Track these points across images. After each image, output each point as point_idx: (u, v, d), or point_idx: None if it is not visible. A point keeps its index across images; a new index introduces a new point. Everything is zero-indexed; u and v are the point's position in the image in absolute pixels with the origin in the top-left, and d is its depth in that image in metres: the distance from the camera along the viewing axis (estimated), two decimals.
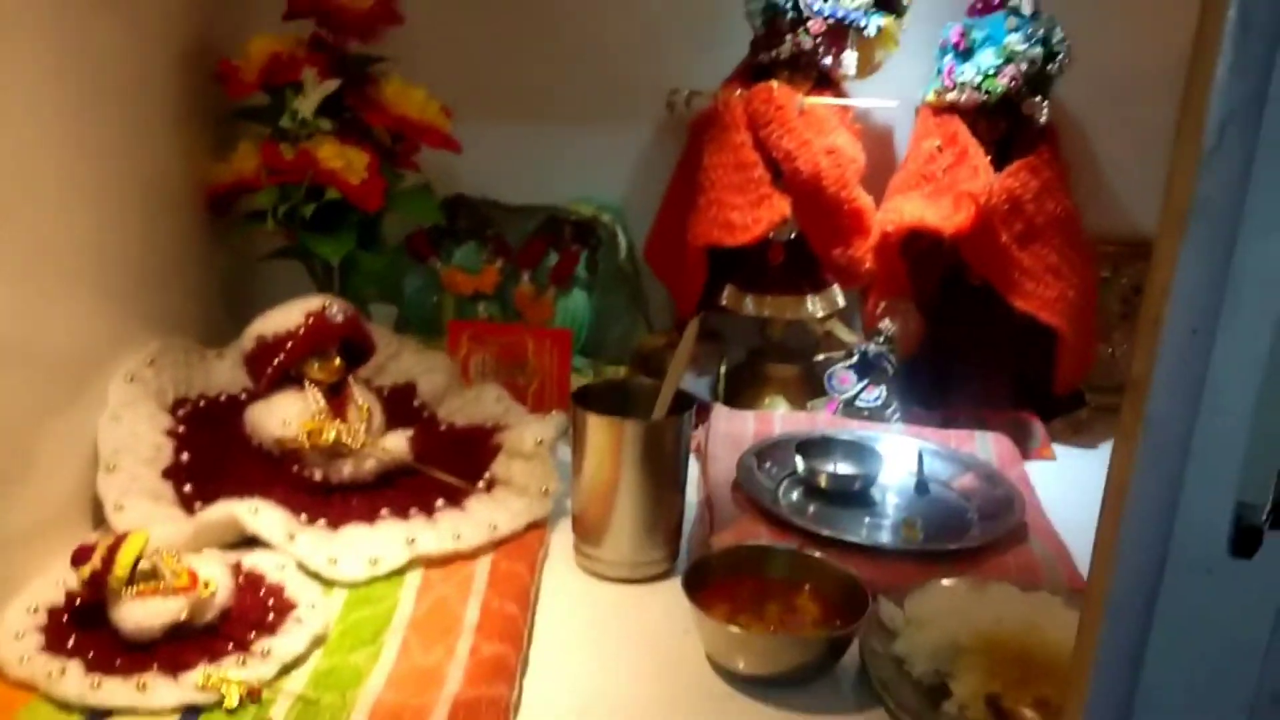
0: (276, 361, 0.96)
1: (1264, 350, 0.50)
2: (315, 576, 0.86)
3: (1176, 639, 0.53)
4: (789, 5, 1.15)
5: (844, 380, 1.16)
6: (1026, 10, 1.14)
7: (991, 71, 1.13)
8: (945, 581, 0.83)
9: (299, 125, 1.09)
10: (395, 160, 1.16)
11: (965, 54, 1.16)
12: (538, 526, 0.95)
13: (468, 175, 1.30)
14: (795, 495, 1.01)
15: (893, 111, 1.27)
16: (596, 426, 0.88)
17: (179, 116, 1.11)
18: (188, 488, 0.94)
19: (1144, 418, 0.53)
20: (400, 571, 0.87)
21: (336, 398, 0.99)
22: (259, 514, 0.88)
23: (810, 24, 1.15)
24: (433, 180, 1.24)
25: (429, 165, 1.22)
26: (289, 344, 0.96)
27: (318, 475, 0.96)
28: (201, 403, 1.04)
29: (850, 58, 1.18)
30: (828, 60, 1.17)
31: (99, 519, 0.91)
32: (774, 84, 1.17)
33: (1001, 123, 1.17)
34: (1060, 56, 1.14)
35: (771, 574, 0.84)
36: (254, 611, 0.79)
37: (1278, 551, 0.53)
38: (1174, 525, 0.54)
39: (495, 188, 1.31)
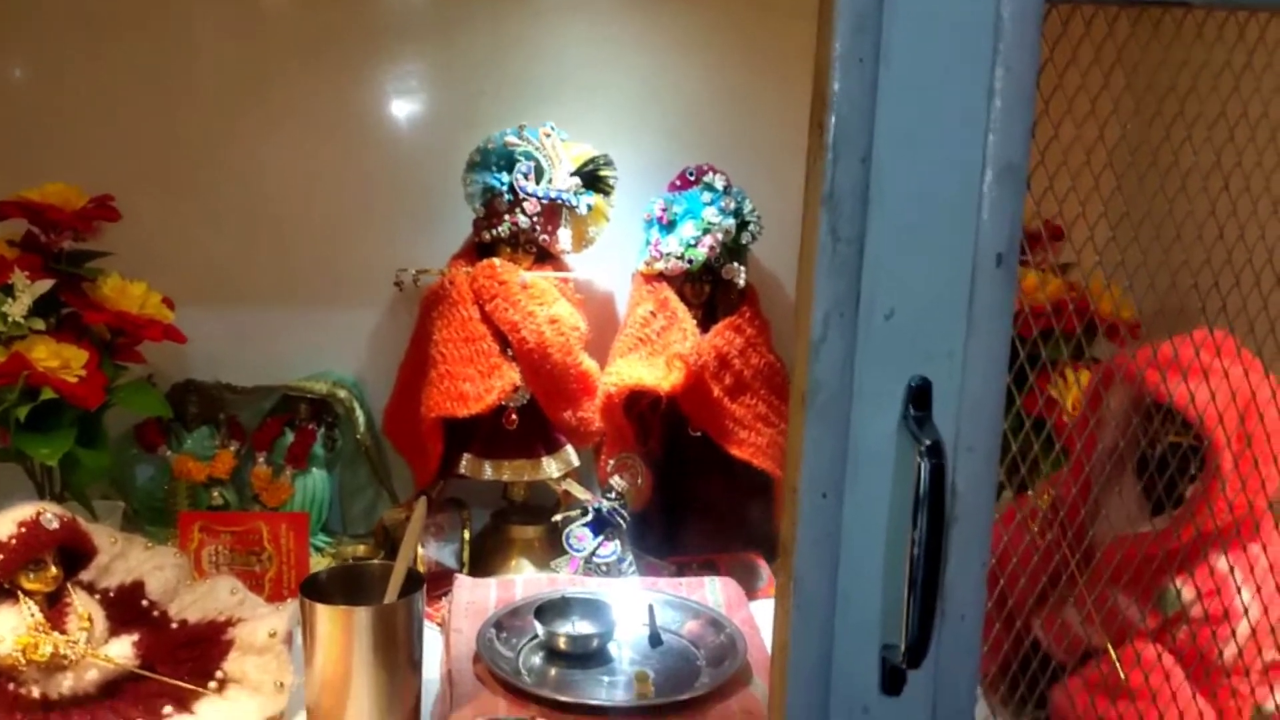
0: None
1: (884, 507, 0.58)
2: None
3: None
4: (505, 188, 1.23)
5: (581, 538, 1.21)
6: (719, 185, 1.26)
7: (692, 242, 1.24)
8: None
9: (10, 327, 1.06)
10: (116, 354, 1.15)
11: (668, 226, 1.26)
12: None
13: (197, 360, 1.30)
14: (536, 660, 1.04)
15: (613, 276, 1.36)
16: (325, 616, 0.89)
17: None
18: None
19: (793, 576, 0.59)
20: None
21: (54, 606, 0.95)
22: None
23: (525, 205, 1.23)
24: (161, 367, 1.24)
25: (157, 353, 1.21)
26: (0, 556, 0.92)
27: (36, 692, 0.91)
28: None
29: (565, 234, 1.27)
30: (545, 237, 1.25)
31: None
32: (496, 261, 1.24)
33: (706, 286, 1.28)
34: (752, 225, 1.27)
35: None
36: None
37: (923, 685, 0.60)
38: (831, 672, 0.60)
39: (226, 370, 1.31)
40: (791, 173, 1.35)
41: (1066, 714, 0.86)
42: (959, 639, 0.57)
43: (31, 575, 0.95)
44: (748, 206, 1.27)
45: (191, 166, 1.32)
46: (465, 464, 1.27)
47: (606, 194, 1.27)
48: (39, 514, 0.95)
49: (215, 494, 1.26)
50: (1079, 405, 1.07)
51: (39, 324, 1.07)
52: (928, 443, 0.52)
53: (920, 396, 0.54)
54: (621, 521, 1.21)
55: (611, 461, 1.24)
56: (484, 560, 1.27)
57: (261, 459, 1.27)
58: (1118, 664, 0.82)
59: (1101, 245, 0.72)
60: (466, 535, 1.28)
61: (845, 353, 0.56)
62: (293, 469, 1.26)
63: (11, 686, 0.91)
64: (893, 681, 0.59)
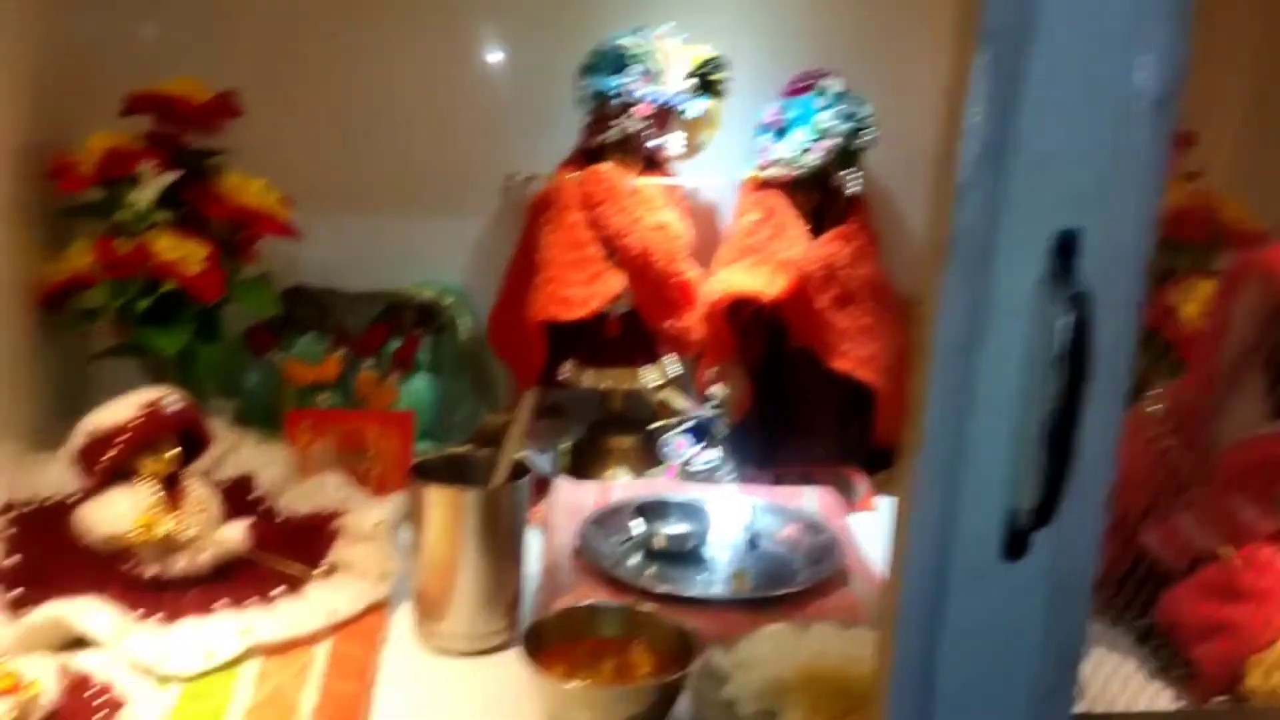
0: (109, 456, 0.95)
1: (1020, 365, 0.55)
2: (148, 673, 0.85)
3: (962, 641, 0.57)
4: (616, 92, 1.22)
5: (679, 445, 1.21)
6: (835, 90, 1.23)
7: (804, 147, 1.21)
8: (771, 626, 0.87)
9: (136, 218, 1.09)
10: (234, 251, 1.17)
11: (780, 132, 1.24)
12: (379, 608, 0.96)
13: (308, 265, 1.32)
14: (635, 558, 1.04)
15: (718, 188, 1.35)
16: (434, 497, 0.90)
17: (12, 215, 1.10)
18: (17, 591, 0.92)
19: (922, 432, 0.57)
20: (235, 662, 0.87)
21: (172, 490, 0.99)
22: (87, 614, 0.86)
23: (636, 109, 1.22)
24: (272, 271, 1.25)
25: (269, 256, 1.23)
26: (121, 438, 0.96)
27: (151, 571, 0.95)
28: (32, 507, 1.02)
29: (675, 139, 1.25)
30: (654, 143, 1.24)
31: None
32: (605, 166, 1.23)
33: (815, 195, 1.25)
34: (866, 133, 1.24)
35: (606, 632, 0.86)
36: (81, 713, 0.78)
37: (1044, 552, 0.58)
38: (954, 532, 0.58)
39: (336, 276, 1.33)
40: (910, 80, 1.32)
41: (1176, 619, 0.84)
42: (1085, 504, 0.55)
43: (151, 458, 0.98)
44: (863, 111, 1.24)
45: (311, 69, 1.33)
46: (567, 371, 1.27)
47: (720, 98, 1.25)
48: (161, 398, 0.99)
49: (322, 397, 1.28)
50: (1198, 317, 1.03)
51: (163, 216, 1.10)
52: (1072, 294, 0.50)
53: (1066, 248, 0.51)
54: (720, 430, 1.20)
55: (711, 371, 1.23)
56: (581, 469, 1.28)
57: (367, 364, 1.29)
58: (1234, 566, 0.79)
59: (1231, 153, 0.68)
60: (566, 444, 1.28)
61: (991, 199, 0.54)
62: (399, 374, 1.28)
63: (129, 565, 0.95)
64: (1015, 545, 0.57)
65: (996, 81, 0.52)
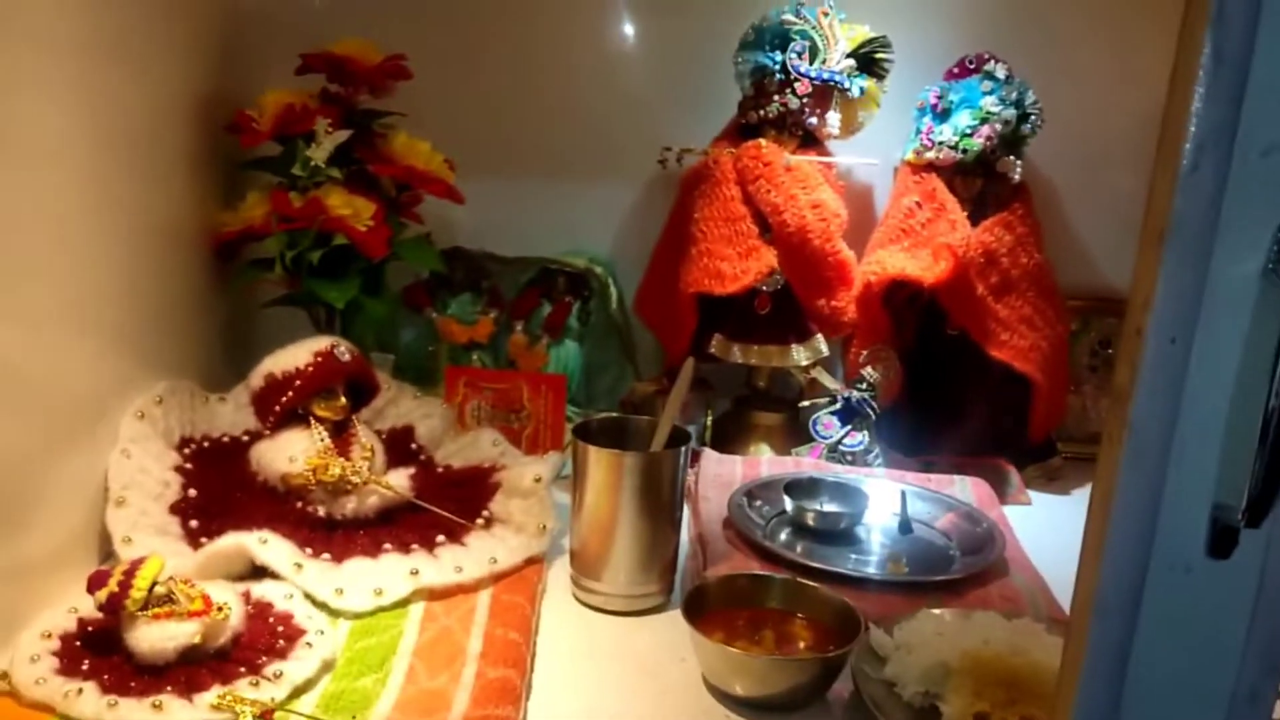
0: (284, 399, 0.99)
1: (1236, 357, 0.54)
2: (322, 607, 0.88)
3: (1159, 636, 0.55)
4: (777, 68, 1.21)
5: (828, 426, 1.20)
6: (1001, 74, 1.21)
7: (968, 131, 1.19)
8: (932, 611, 0.87)
9: (310, 173, 1.13)
10: (399, 210, 1.20)
11: (942, 115, 1.22)
12: (535, 562, 0.98)
13: (465, 228, 1.35)
14: (784, 534, 1.04)
15: (872, 169, 1.33)
16: (597, 459, 0.91)
17: (191, 166, 1.15)
18: (194, 523, 0.96)
19: (1127, 423, 0.56)
20: (404, 603, 0.90)
21: (341, 436, 1.02)
22: (267, 544, 0.90)
23: (797, 85, 1.21)
24: (433, 234, 1.28)
25: (427, 219, 1.26)
26: (297, 382, 0.99)
27: (322, 511, 0.98)
28: (206, 443, 1.06)
29: (834, 118, 1.24)
30: (813, 120, 1.23)
31: (105, 553, 0.93)
32: (762, 141, 1.22)
33: (977, 180, 1.23)
34: (1033, 118, 1.21)
35: (766, 603, 0.87)
36: (264, 637, 0.81)
37: (1253, 551, 0.56)
38: (1156, 526, 0.57)
39: (491, 240, 1.36)
40: (1078, 65, 1.29)
41: None
42: None
43: (323, 403, 1.02)
44: (1029, 98, 1.21)
45: (476, 38, 1.35)
46: (715, 345, 1.28)
47: (880, 78, 1.24)
48: (333, 346, 1.02)
49: (475, 357, 1.31)
50: None
51: (335, 173, 1.13)
52: None
53: None
54: (870, 413, 1.19)
55: (864, 352, 1.22)
56: (725, 444, 1.28)
57: (519, 328, 1.31)
58: None
59: None
60: (710, 417, 1.29)
61: (1215, 187, 0.52)
62: (549, 339, 1.30)
63: (300, 504, 0.99)
64: (1222, 543, 0.55)
65: (1222, 66, 0.50)
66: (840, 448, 1.19)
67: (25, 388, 0.84)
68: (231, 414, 1.09)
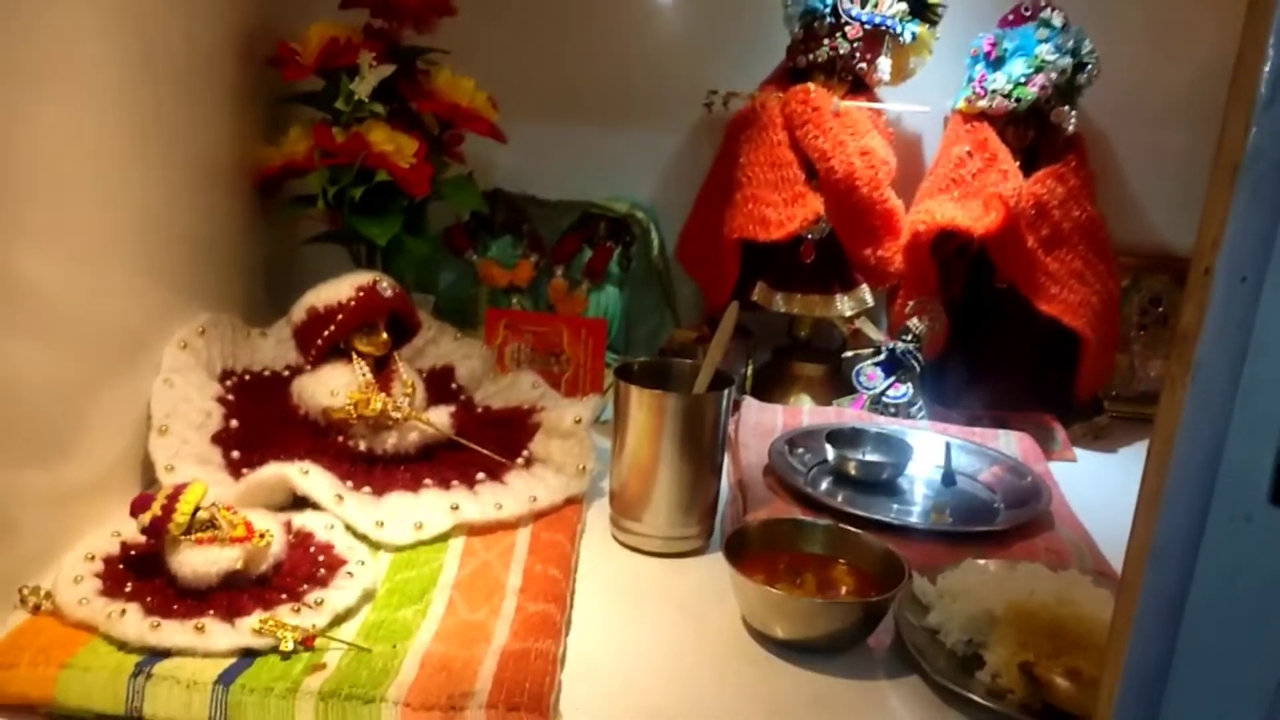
0: (327, 333, 0.99)
1: None
2: (362, 539, 0.88)
3: (1216, 586, 0.54)
4: (827, 11, 1.19)
5: (871, 377, 1.18)
6: (1057, 22, 1.18)
7: (1022, 80, 1.16)
8: (976, 561, 0.85)
9: (353, 108, 1.12)
10: (441, 149, 1.19)
11: (996, 63, 1.19)
12: (575, 502, 0.97)
13: (506, 171, 1.34)
14: (825, 483, 1.03)
15: (921, 117, 1.31)
16: (640, 400, 0.90)
17: (233, 99, 1.14)
18: (235, 454, 0.96)
19: (1193, 365, 0.54)
20: (444, 537, 0.90)
21: (382, 372, 1.02)
22: (309, 475, 0.90)
23: (847, 29, 1.19)
24: (473, 173, 1.27)
25: (469, 159, 1.25)
26: (339, 316, 0.99)
27: (362, 445, 0.98)
28: (247, 376, 1.06)
29: (885, 63, 1.22)
30: (863, 65, 1.21)
31: (148, 480, 0.93)
32: (811, 86, 1.20)
33: (1030, 130, 1.20)
34: (1089, 68, 1.18)
35: (808, 548, 0.86)
36: (305, 565, 0.81)
37: None
38: (1218, 473, 0.55)
39: (532, 183, 1.34)
40: (1135, 15, 1.25)
41: None
42: None
43: (365, 339, 1.01)
44: (1086, 47, 1.18)
45: None
46: (758, 292, 1.26)
47: (933, 24, 1.21)
48: (375, 281, 1.02)
49: (514, 300, 1.30)
50: None
51: (379, 108, 1.12)
52: None
53: None
54: (915, 364, 1.17)
55: (911, 303, 1.20)
56: (765, 393, 1.27)
57: (559, 272, 1.30)
58: None
59: None
60: (750, 366, 1.28)
61: None
62: (589, 283, 1.29)
63: (341, 438, 0.99)
64: None
65: None
66: (884, 399, 1.18)
67: (66, 317, 0.84)
68: (273, 349, 1.09)
